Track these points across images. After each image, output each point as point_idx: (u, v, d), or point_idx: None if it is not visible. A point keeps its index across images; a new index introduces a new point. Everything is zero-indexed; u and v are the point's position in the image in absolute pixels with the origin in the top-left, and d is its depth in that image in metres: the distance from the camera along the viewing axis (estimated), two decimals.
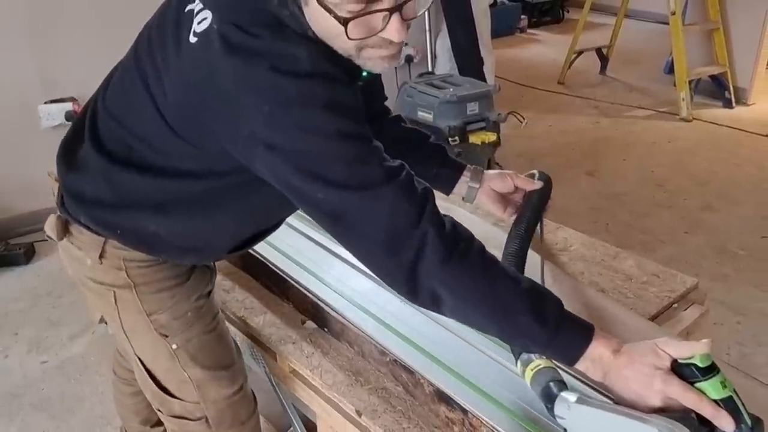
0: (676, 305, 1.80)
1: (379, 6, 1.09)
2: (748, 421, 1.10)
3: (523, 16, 9.12)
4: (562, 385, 1.22)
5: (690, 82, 5.91)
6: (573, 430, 1.21)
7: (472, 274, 1.21)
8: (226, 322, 1.81)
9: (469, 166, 1.72)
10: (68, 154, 1.50)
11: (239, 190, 1.39)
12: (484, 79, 4.81)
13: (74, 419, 2.72)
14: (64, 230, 1.52)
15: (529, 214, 1.68)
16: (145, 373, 1.61)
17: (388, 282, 1.24)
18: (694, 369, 1.13)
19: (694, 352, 1.13)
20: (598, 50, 7.09)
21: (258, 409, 1.77)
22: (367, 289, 1.77)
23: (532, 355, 1.27)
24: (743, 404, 1.11)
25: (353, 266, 1.85)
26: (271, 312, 1.85)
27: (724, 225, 4.16)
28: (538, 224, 1.73)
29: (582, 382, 1.36)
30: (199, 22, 1.22)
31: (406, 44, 5.00)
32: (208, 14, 1.20)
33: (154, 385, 1.62)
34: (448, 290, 1.20)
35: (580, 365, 1.22)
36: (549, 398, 1.22)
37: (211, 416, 1.64)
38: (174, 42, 1.26)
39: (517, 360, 1.30)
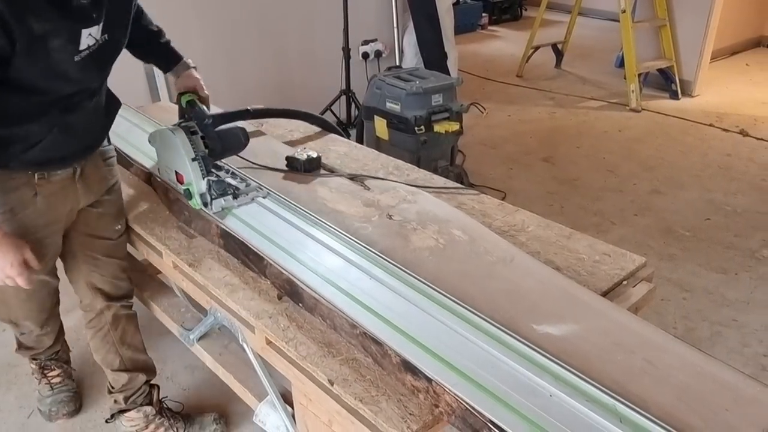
0: (625, 282, 1.82)
1: None
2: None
3: (484, 14, 9.14)
4: None
5: (639, 75, 5.95)
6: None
7: None
8: None
9: (184, 61, 2.27)
10: None
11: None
12: (447, 73, 4.82)
13: None
14: None
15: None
16: None
17: None
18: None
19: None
20: (554, 46, 7.12)
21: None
22: (338, 266, 1.77)
23: None
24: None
25: (326, 246, 1.85)
26: (250, 288, 1.84)
27: (671, 208, 4.20)
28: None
29: None
30: None
31: (375, 40, 5.02)
32: None
33: None
34: None
35: None
36: None
37: None
38: None
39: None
